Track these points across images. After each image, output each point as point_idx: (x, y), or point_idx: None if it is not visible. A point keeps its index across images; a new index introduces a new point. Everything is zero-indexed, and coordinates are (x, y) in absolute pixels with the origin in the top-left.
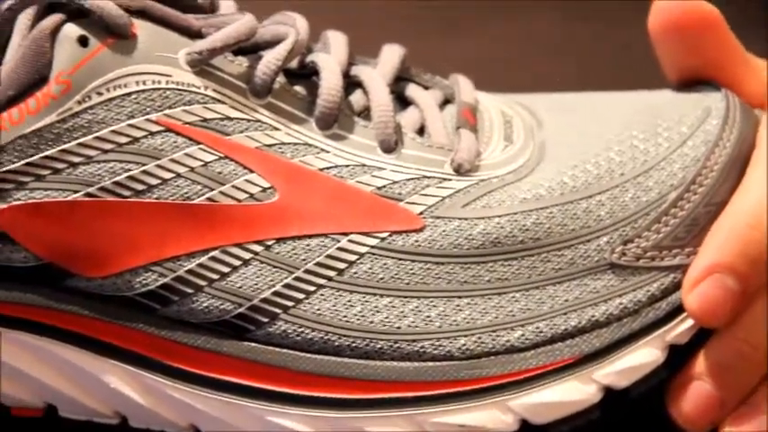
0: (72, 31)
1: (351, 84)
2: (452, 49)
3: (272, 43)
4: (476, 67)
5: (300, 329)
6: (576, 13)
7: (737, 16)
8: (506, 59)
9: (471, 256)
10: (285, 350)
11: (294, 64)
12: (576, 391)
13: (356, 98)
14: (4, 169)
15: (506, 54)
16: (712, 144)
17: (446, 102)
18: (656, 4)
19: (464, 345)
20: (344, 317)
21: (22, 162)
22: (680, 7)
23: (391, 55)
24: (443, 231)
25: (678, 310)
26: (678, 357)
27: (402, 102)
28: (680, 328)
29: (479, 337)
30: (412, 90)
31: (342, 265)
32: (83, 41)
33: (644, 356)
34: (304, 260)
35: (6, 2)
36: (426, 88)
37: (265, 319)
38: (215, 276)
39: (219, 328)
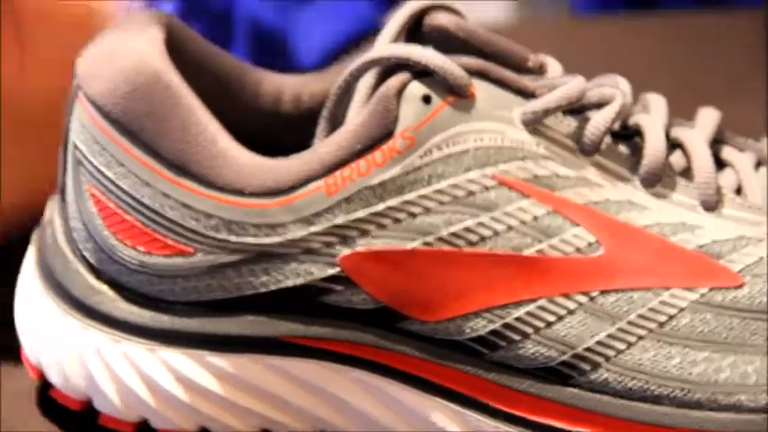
0: (417, 89)
1: (671, 145)
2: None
3: (598, 105)
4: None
5: (621, 378)
6: None
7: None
8: None
9: None
10: (607, 397)
11: (616, 125)
12: None
13: (675, 158)
14: (351, 218)
15: None
16: None
17: (758, 164)
18: None
19: None
20: (664, 367)
21: (367, 212)
22: None
23: (709, 118)
24: (762, 289)
25: None
26: None
27: (717, 163)
28: None
29: None
30: (728, 152)
31: (663, 318)
32: (426, 99)
33: None
34: (626, 312)
35: (353, 63)
36: (741, 150)
37: (588, 367)
38: (541, 324)
39: (542, 373)
